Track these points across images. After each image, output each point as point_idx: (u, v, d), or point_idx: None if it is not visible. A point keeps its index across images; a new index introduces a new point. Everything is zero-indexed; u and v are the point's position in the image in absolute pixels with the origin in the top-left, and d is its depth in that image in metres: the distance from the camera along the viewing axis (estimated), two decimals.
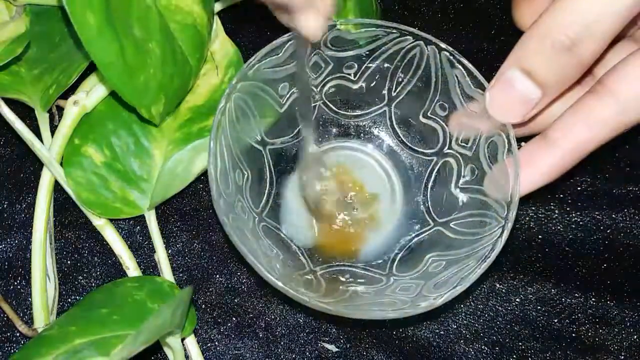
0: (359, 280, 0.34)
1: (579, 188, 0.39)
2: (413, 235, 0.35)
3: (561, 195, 0.38)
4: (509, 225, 0.30)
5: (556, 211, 0.38)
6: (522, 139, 0.35)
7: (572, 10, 0.27)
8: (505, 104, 0.30)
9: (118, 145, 0.35)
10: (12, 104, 0.37)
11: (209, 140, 0.31)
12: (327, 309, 0.29)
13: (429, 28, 0.42)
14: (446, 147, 0.35)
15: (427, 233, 0.35)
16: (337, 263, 0.35)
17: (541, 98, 0.30)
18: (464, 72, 0.33)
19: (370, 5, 0.39)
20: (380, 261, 0.35)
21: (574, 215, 0.38)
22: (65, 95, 0.36)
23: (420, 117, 0.36)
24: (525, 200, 0.38)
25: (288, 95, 0.35)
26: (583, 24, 0.27)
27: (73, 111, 0.35)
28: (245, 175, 0.34)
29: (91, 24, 0.29)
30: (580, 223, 0.38)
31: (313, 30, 0.29)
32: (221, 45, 0.37)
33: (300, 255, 0.35)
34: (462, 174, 0.35)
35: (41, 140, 0.36)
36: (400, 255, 0.35)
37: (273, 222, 0.35)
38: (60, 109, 0.36)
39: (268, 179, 0.36)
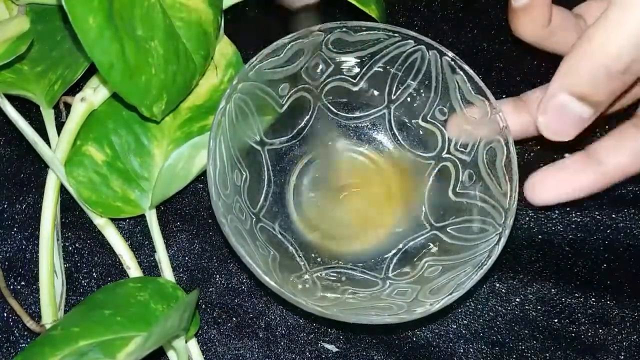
0: (355, 283, 0.34)
1: None
2: (410, 238, 0.35)
3: None
4: (506, 232, 0.30)
5: (556, 211, 0.38)
6: (564, 152, 0.36)
7: (622, 33, 0.28)
8: (560, 127, 0.31)
9: (118, 144, 0.35)
10: (18, 102, 0.37)
11: (208, 140, 0.31)
12: (324, 313, 0.29)
13: (429, 28, 0.42)
14: (445, 152, 0.35)
15: (424, 237, 0.35)
16: (333, 265, 0.35)
17: (592, 114, 0.30)
18: (464, 77, 0.33)
19: (382, 5, 0.39)
20: (376, 264, 0.35)
21: (574, 215, 0.38)
22: (72, 92, 0.36)
23: (420, 121, 0.36)
24: (525, 200, 0.38)
25: (288, 96, 0.36)
26: (634, 47, 0.27)
27: (80, 108, 0.35)
28: (244, 176, 0.34)
29: (91, 25, 0.29)
30: (580, 223, 0.38)
31: None
32: (220, 45, 0.37)
33: (296, 257, 0.35)
34: (460, 179, 0.35)
35: (46, 138, 0.36)
36: (396, 258, 0.35)
37: (270, 222, 0.35)
38: (68, 106, 0.36)
39: (266, 179, 0.36)
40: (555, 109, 0.30)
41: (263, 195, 0.36)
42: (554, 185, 0.33)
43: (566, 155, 0.33)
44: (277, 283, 0.29)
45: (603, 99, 0.30)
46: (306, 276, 0.33)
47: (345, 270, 0.35)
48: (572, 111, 0.30)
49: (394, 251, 0.35)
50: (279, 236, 0.35)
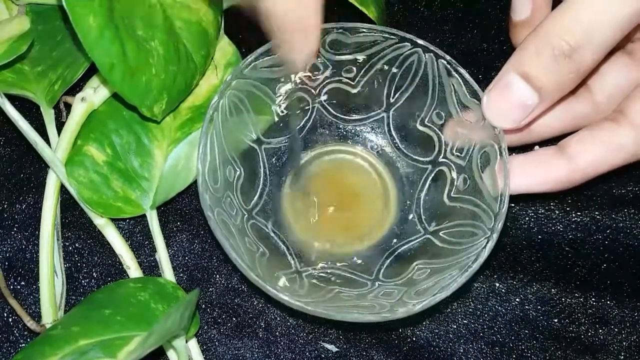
0: (344, 283, 0.33)
1: (579, 188, 0.39)
2: (403, 242, 0.35)
3: (561, 195, 0.38)
4: (495, 236, 0.30)
5: (556, 211, 0.38)
6: (530, 145, 0.35)
7: (573, 18, 0.27)
8: (502, 108, 0.30)
9: (119, 144, 0.35)
10: (18, 102, 0.37)
11: (199, 134, 0.31)
12: (305, 309, 0.29)
13: (429, 28, 0.42)
14: (441, 156, 0.35)
15: (417, 241, 0.35)
16: (325, 265, 0.35)
17: (538, 104, 0.30)
18: (460, 81, 0.33)
19: (381, 6, 0.39)
20: (368, 266, 0.35)
21: (574, 215, 0.38)
22: (72, 92, 0.36)
23: (417, 125, 0.36)
24: (525, 200, 0.38)
25: (285, 96, 0.36)
26: (583, 31, 0.27)
27: (81, 108, 0.35)
28: (238, 172, 0.34)
29: (92, 25, 0.29)
30: (580, 223, 0.38)
31: (298, 58, 0.28)
32: (220, 45, 0.37)
33: (288, 255, 0.34)
34: (455, 183, 0.34)
35: (46, 138, 0.36)
36: (388, 261, 0.35)
37: (263, 220, 0.35)
38: (68, 106, 0.37)
39: (262, 178, 0.36)
40: (500, 87, 0.30)
41: (258, 193, 0.35)
42: (520, 173, 0.31)
43: (536, 147, 0.32)
44: (260, 277, 0.29)
45: (548, 85, 0.29)
46: (294, 274, 0.33)
47: (336, 271, 0.34)
48: (516, 91, 0.29)
49: (386, 254, 0.35)
50: (272, 234, 0.35)
